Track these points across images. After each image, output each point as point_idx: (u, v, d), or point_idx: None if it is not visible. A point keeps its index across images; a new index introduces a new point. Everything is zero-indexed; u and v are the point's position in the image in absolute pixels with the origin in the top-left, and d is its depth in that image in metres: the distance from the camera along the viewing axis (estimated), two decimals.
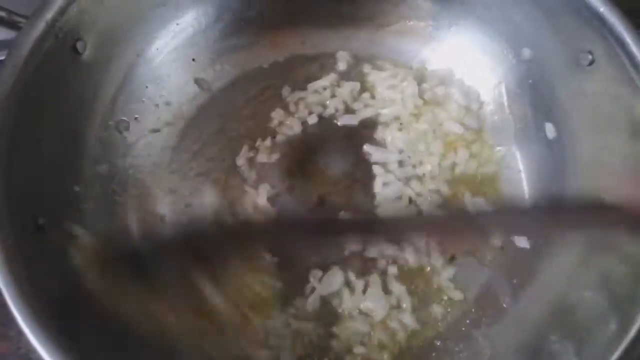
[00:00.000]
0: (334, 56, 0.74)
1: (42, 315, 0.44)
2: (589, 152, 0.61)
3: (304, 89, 0.72)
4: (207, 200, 0.66)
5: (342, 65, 0.74)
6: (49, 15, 0.53)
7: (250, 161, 0.68)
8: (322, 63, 0.74)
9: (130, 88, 0.65)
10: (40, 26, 0.52)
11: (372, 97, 0.72)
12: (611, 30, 0.55)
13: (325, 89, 0.72)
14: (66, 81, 0.56)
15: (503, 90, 0.70)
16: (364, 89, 0.73)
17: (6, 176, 0.48)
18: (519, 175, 0.68)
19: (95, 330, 0.49)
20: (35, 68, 0.51)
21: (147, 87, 0.67)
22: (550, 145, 0.65)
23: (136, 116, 0.66)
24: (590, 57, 0.58)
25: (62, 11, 0.53)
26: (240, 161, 0.68)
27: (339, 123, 0.71)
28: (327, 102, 0.72)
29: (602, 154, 0.59)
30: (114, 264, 0.57)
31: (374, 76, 0.73)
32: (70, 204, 0.56)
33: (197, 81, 0.70)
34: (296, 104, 0.71)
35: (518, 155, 0.69)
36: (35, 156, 0.52)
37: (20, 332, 0.67)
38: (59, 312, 0.45)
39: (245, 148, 0.68)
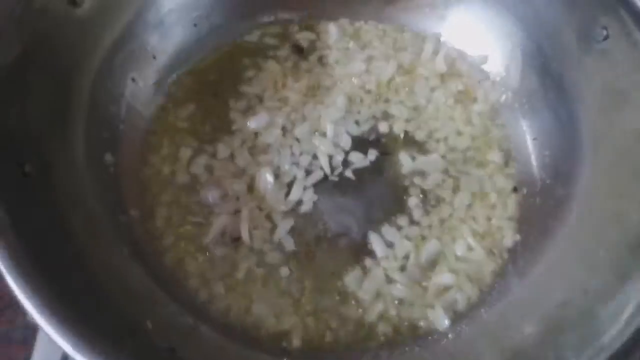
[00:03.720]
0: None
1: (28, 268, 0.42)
2: (600, 130, 0.59)
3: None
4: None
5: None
6: None
7: None
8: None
9: (130, 48, 0.63)
10: None
11: None
12: (626, 3, 0.54)
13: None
14: (61, 32, 0.54)
15: (512, 68, 0.68)
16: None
17: None
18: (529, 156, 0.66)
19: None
20: (29, 14, 0.50)
21: (147, 48, 0.65)
22: (560, 123, 0.63)
23: (133, 77, 0.64)
24: (604, 32, 0.56)
25: None
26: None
27: None
28: None
29: (613, 131, 0.57)
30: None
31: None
32: (60, 156, 0.54)
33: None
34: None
35: (527, 132, 0.67)
36: (23, 103, 0.50)
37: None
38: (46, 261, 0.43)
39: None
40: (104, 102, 0.60)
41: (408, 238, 0.62)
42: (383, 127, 0.68)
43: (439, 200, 0.64)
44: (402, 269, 0.60)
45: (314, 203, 0.63)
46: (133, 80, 0.64)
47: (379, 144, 0.67)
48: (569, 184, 0.60)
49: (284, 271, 0.60)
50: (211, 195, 0.63)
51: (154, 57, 0.66)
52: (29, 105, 0.50)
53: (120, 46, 0.62)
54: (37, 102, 0.51)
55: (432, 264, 0.61)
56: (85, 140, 0.57)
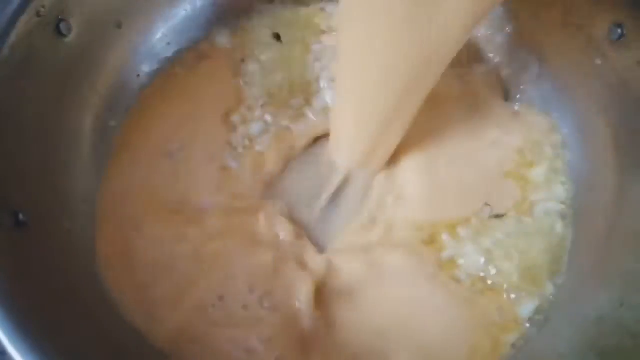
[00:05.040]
0: None
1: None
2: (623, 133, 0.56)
3: None
4: None
5: None
6: None
7: None
8: None
9: (124, 78, 0.60)
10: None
11: None
12: None
13: None
14: (48, 64, 0.51)
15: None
16: None
17: None
18: None
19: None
20: (14, 48, 0.47)
21: (138, 75, 0.61)
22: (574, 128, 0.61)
23: (127, 106, 0.60)
24: (619, 30, 0.54)
25: None
26: None
27: None
28: None
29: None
30: None
31: None
32: (57, 200, 0.50)
33: None
34: None
35: None
36: (12, 144, 0.47)
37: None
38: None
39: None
40: (101, 135, 0.57)
41: None
42: None
43: None
44: None
45: None
46: (127, 110, 0.60)
47: None
48: (591, 192, 0.58)
49: None
50: None
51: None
52: (19, 147, 0.47)
53: (114, 76, 0.58)
54: (27, 142, 0.48)
55: None
56: (83, 179, 0.54)
